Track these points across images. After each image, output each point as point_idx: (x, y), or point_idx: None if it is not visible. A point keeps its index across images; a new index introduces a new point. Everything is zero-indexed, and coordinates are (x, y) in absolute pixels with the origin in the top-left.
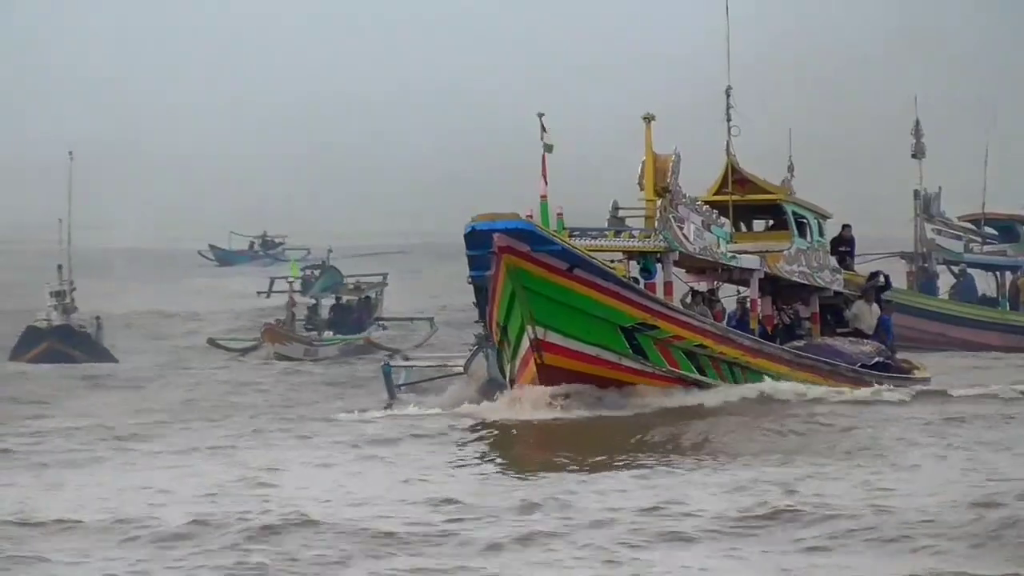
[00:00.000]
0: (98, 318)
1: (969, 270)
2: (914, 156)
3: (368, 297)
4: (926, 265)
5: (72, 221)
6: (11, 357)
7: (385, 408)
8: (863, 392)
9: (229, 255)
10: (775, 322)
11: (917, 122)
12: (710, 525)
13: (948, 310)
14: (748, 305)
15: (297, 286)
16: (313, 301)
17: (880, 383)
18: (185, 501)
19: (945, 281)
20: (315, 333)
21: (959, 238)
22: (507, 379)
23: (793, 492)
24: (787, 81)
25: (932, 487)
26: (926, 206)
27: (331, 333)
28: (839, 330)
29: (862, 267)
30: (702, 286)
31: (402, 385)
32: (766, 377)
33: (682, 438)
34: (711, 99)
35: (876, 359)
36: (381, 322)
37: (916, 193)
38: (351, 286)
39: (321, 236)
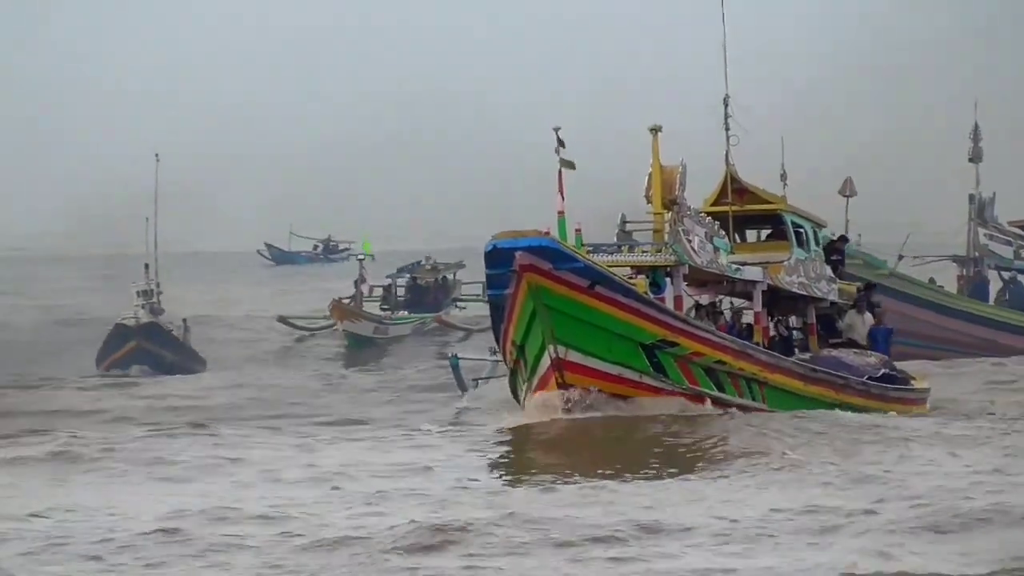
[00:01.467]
0: (185, 320)
1: (1019, 277)
2: (971, 160)
3: (445, 278)
4: (978, 269)
5: (158, 222)
6: (98, 356)
7: (460, 400)
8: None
9: (287, 255)
10: (771, 335)
11: (976, 126)
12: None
13: (998, 316)
14: (742, 318)
15: (368, 263)
16: (388, 281)
17: (887, 395)
18: None
19: (997, 287)
20: (389, 312)
21: (1010, 244)
22: (521, 400)
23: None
24: (842, 86)
25: None
26: (980, 210)
27: (406, 312)
28: (832, 340)
29: (919, 269)
30: (704, 299)
31: (482, 379)
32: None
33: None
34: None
35: (882, 371)
36: (458, 302)
37: (971, 197)
38: (428, 267)
39: (389, 240)
